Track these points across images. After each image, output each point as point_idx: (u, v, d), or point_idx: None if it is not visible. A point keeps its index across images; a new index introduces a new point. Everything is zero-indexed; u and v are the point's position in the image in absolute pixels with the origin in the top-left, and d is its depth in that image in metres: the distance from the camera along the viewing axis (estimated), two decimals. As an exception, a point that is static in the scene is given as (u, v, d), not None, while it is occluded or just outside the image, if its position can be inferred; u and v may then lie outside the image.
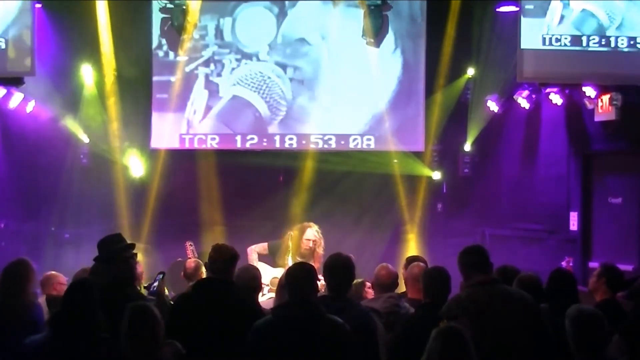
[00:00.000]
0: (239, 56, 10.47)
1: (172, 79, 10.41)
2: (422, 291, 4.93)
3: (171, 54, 10.41)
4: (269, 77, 10.45)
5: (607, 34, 8.44)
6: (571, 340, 4.07)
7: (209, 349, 4.51)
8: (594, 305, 4.87)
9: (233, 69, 10.48)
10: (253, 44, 10.48)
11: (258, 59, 10.46)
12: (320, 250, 7.78)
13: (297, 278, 4.25)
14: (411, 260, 6.13)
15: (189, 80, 10.43)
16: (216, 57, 10.47)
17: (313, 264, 7.64)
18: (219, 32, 10.45)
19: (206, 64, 10.46)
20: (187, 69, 10.40)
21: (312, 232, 7.81)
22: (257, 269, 5.69)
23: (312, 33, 10.49)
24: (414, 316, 4.89)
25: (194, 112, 10.49)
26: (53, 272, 5.96)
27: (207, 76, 10.47)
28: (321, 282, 5.82)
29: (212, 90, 10.49)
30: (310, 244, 7.71)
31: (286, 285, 4.37)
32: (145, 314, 4.12)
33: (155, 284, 5.40)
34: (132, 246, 5.19)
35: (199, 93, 10.47)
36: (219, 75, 10.47)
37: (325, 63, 10.45)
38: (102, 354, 4.07)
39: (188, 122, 10.49)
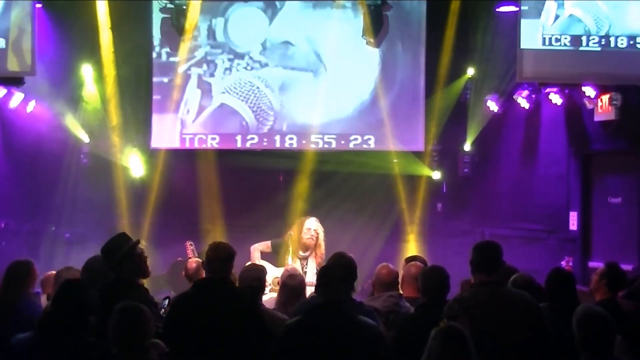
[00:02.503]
0: (231, 56, 10.47)
1: (172, 79, 10.42)
2: (419, 290, 4.94)
3: (171, 54, 10.41)
4: (258, 88, 10.45)
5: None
6: (577, 339, 4.07)
7: (208, 348, 4.50)
8: (593, 304, 4.87)
9: (226, 69, 10.48)
10: (245, 44, 10.48)
11: (251, 59, 10.46)
12: (322, 243, 7.72)
13: (328, 278, 4.28)
14: (410, 259, 6.14)
15: (183, 80, 10.44)
16: (209, 58, 10.47)
17: (315, 257, 7.66)
18: (211, 33, 10.45)
19: (199, 64, 10.46)
20: (180, 70, 10.39)
21: (313, 221, 7.74)
22: (262, 270, 5.60)
23: (312, 32, 10.49)
24: (412, 316, 4.90)
25: (187, 112, 10.49)
26: (53, 272, 5.96)
27: (199, 76, 10.47)
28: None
29: (205, 89, 10.48)
30: (312, 232, 7.61)
31: (317, 285, 4.37)
32: (136, 315, 4.04)
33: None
34: (138, 242, 5.16)
35: (192, 93, 10.47)
36: (211, 75, 10.47)
37: (324, 63, 10.46)
38: (88, 357, 4.00)
39: (182, 122, 10.49)
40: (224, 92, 10.49)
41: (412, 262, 5.77)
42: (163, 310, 5.21)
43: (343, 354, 4.07)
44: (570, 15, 8.54)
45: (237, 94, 10.48)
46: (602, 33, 8.49)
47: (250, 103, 10.49)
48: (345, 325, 4.10)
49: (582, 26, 8.54)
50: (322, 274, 4.42)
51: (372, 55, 10.44)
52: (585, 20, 8.50)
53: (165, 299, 5.43)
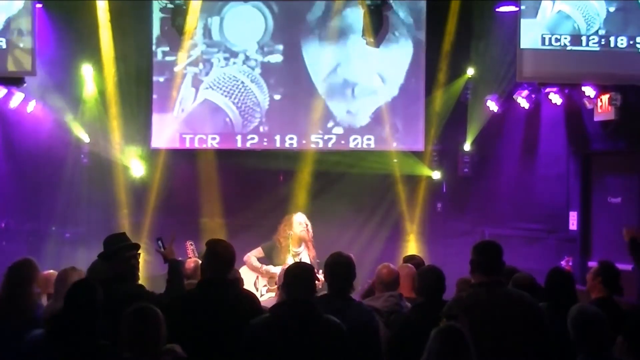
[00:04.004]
0: (227, 55, 10.46)
1: (169, 78, 10.42)
2: (414, 289, 4.94)
3: (171, 54, 10.41)
4: (242, 83, 10.42)
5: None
6: (573, 339, 4.08)
7: (213, 349, 4.50)
8: (590, 303, 4.87)
9: (222, 67, 10.47)
10: (241, 43, 10.47)
11: (247, 58, 10.46)
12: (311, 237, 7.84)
13: (295, 278, 4.27)
14: (408, 259, 6.15)
15: (181, 79, 10.42)
16: (205, 56, 10.45)
17: (308, 251, 7.72)
18: (207, 31, 10.44)
19: (195, 63, 10.44)
20: (177, 69, 10.38)
21: (300, 215, 7.87)
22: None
23: (312, 32, 10.49)
24: (409, 316, 4.89)
25: (182, 111, 10.49)
26: (52, 271, 5.96)
27: (195, 75, 10.45)
28: (321, 278, 5.84)
29: (198, 88, 10.47)
30: (304, 226, 7.72)
31: (284, 284, 4.37)
32: (148, 317, 3.92)
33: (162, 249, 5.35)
34: (136, 246, 5.19)
35: (187, 92, 10.45)
36: (207, 74, 10.46)
37: (325, 63, 10.45)
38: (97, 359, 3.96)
39: (176, 121, 10.47)
40: (207, 88, 10.46)
41: (404, 264, 5.79)
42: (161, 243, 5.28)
43: (306, 353, 4.07)
44: (559, 11, 8.56)
45: (220, 89, 10.44)
46: (593, 31, 8.49)
47: (235, 99, 10.46)
48: (310, 324, 4.09)
49: (571, 23, 8.55)
50: (285, 273, 4.41)
51: (372, 55, 10.43)
52: (575, 17, 8.51)
53: (158, 239, 5.44)
